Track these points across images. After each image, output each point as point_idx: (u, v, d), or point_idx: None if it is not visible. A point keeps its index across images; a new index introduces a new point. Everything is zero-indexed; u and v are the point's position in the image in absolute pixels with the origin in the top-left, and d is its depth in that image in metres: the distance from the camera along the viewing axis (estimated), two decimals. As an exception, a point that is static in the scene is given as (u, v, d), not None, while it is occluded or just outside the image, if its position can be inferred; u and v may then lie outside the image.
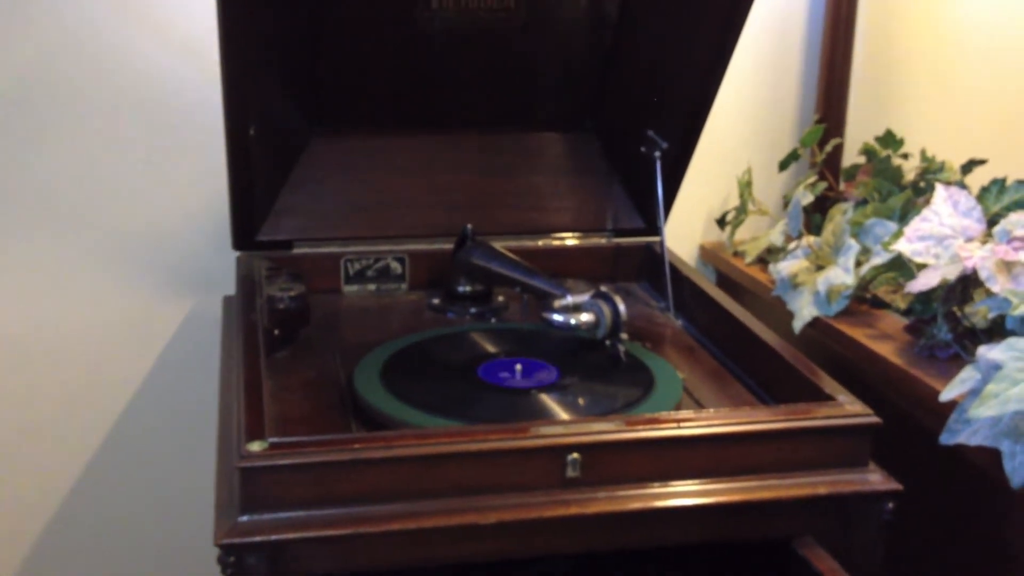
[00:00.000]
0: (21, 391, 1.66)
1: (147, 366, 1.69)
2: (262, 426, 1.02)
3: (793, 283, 1.51)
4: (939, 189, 1.35)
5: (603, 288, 1.31)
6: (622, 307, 1.29)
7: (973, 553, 1.27)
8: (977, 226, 1.33)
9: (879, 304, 1.49)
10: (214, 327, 1.58)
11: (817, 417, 1.08)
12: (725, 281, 1.77)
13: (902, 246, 1.33)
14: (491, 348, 1.33)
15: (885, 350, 1.35)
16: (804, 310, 1.47)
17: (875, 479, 1.09)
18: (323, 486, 0.99)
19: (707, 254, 1.83)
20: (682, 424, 1.06)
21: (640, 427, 1.05)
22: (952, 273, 1.27)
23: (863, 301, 1.49)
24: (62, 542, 1.74)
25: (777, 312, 1.53)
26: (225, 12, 1.22)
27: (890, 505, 1.09)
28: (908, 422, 1.28)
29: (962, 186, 1.59)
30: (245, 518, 0.97)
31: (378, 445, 1.00)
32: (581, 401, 1.19)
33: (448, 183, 1.59)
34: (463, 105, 1.58)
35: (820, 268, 1.50)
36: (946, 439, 1.14)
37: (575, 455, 1.03)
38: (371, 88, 1.53)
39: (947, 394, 1.16)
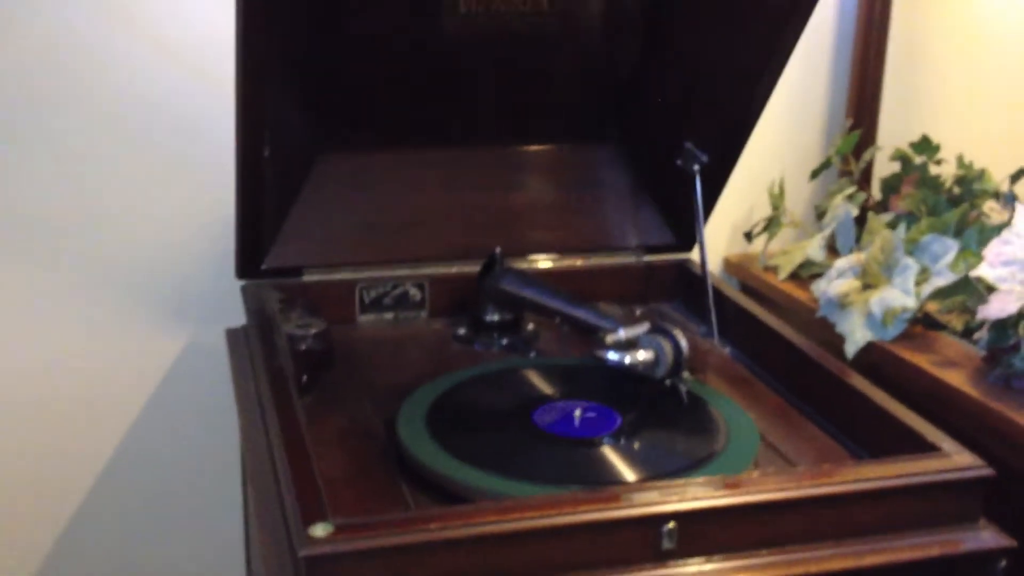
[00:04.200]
0: (5, 432, 1.52)
1: (141, 403, 1.55)
2: (321, 504, 0.90)
3: (841, 303, 1.42)
4: (1020, 209, 1.26)
5: (662, 324, 1.20)
6: (683, 343, 1.18)
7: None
8: (1064, 250, 1.24)
9: (931, 324, 1.40)
10: (214, 361, 1.45)
11: (928, 473, 0.99)
12: (752, 296, 1.67)
13: (984, 272, 1.23)
14: (539, 388, 1.22)
15: (955, 379, 1.26)
16: (856, 333, 1.38)
17: (987, 536, 1.00)
18: (396, 571, 0.87)
19: (732, 267, 1.73)
20: (786, 486, 0.96)
21: (742, 491, 0.95)
22: (1035, 299, 1.19)
23: (915, 322, 1.40)
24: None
25: (813, 330, 1.44)
26: (245, 24, 1.09)
27: (1003, 563, 1.00)
28: (995, 461, 1.19)
29: (1012, 196, 1.51)
30: (311, 613, 0.85)
31: (457, 523, 0.88)
32: (654, 455, 1.08)
33: (468, 200, 1.47)
34: (482, 117, 1.46)
35: (868, 287, 1.41)
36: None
37: (671, 524, 0.92)
38: (385, 100, 1.40)
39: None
